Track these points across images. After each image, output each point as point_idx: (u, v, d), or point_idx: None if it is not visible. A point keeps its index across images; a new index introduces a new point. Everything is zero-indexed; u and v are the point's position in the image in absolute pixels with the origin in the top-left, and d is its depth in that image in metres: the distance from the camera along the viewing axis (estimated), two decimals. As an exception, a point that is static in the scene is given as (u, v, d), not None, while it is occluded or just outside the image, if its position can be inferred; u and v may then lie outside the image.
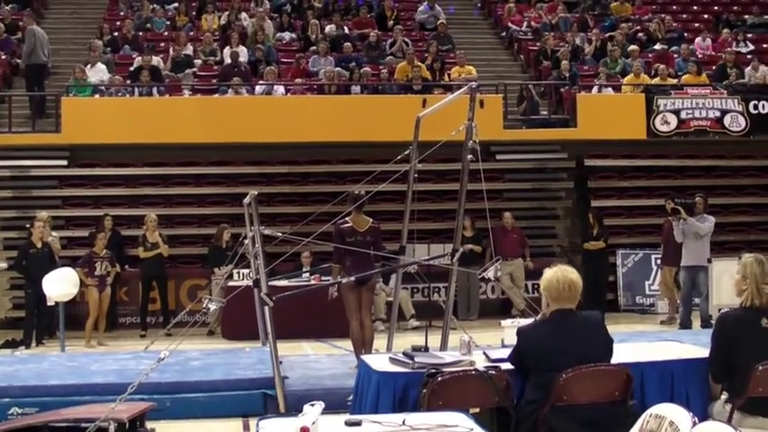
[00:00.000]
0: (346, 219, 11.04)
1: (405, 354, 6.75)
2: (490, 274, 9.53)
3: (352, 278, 10.47)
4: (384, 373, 6.58)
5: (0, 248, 17.48)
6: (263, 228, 9.94)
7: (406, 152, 10.91)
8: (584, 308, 6.22)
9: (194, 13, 22.74)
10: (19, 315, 16.08)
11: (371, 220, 11.27)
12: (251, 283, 10.13)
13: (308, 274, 15.24)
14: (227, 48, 20.00)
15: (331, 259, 11.50)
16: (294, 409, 7.59)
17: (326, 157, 18.56)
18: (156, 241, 16.14)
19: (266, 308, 9.35)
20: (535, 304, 10.15)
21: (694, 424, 4.37)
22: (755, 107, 18.47)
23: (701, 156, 19.26)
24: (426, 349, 7.13)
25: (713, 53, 21.62)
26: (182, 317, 11.25)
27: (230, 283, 14.17)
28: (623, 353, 6.68)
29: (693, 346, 7.68)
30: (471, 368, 6.34)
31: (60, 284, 13.85)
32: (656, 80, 19.37)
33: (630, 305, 17.90)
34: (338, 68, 19.48)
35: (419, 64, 19.40)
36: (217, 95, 18.68)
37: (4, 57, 20.05)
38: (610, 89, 19.37)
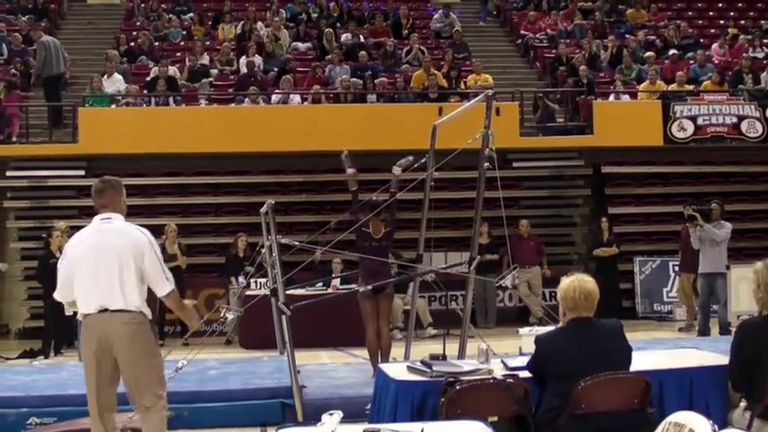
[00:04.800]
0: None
1: (423, 362, 6.74)
2: (507, 282, 9.53)
3: (369, 287, 10.45)
4: (402, 381, 6.57)
5: (17, 258, 17.55)
6: (280, 237, 9.95)
7: (423, 160, 10.92)
8: (600, 316, 6.20)
9: (210, 23, 22.84)
10: (37, 325, 16.12)
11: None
12: (268, 293, 10.16)
13: (325, 282, 15.18)
14: (244, 57, 20.06)
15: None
16: (312, 418, 7.58)
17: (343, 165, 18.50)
18: (174, 253, 15.68)
19: (284, 317, 9.35)
20: (553, 312, 10.12)
21: (714, 432, 4.36)
22: (773, 113, 18.40)
23: (718, 162, 19.14)
24: (444, 358, 7.14)
25: (729, 59, 21.54)
26: (199, 326, 11.25)
27: (248, 293, 14.18)
28: (642, 360, 6.66)
29: (712, 353, 7.63)
30: (489, 376, 6.34)
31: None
32: (674, 86, 19.29)
33: (648, 312, 17.80)
34: (354, 78, 19.49)
35: (435, 72, 19.36)
36: (233, 105, 18.73)
37: (21, 67, 20.11)
38: (626, 96, 19.33)
